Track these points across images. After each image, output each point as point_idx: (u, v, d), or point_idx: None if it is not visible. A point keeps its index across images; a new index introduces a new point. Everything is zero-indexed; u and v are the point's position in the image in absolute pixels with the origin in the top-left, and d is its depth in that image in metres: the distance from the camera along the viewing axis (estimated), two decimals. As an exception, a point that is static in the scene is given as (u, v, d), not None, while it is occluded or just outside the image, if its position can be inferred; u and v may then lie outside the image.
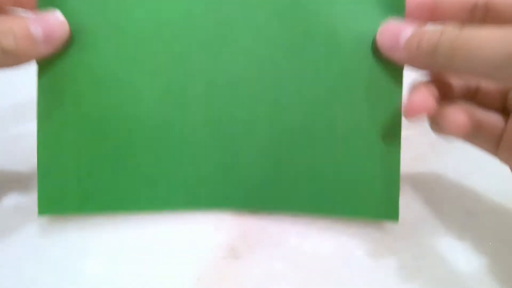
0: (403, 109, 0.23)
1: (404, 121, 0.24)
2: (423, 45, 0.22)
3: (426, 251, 0.25)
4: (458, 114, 0.23)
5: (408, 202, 0.27)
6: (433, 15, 0.24)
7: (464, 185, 0.28)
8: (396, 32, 0.23)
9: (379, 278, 0.23)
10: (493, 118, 0.25)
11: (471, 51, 0.20)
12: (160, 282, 0.23)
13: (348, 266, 0.24)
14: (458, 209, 0.26)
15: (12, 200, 0.27)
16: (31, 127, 0.25)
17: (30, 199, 0.27)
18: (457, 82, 0.25)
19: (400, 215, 0.26)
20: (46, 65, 0.24)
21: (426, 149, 0.31)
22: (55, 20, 0.24)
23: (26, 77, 0.25)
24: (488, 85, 0.26)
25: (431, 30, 0.22)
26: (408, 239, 0.25)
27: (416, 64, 0.23)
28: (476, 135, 0.25)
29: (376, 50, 0.24)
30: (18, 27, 0.23)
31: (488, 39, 0.20)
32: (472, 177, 0.28)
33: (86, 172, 0.25)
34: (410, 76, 0.24)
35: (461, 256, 0.24)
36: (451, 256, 0.24)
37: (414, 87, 0.24)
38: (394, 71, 0.24)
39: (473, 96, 0.26)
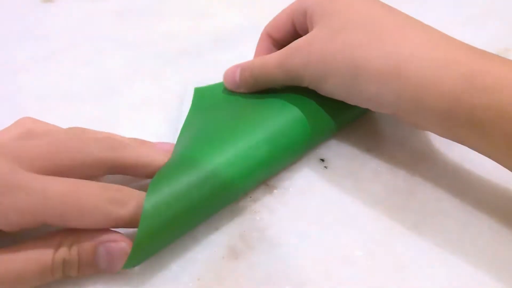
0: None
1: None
2: (248, 79, 0.31)
3: (425, 251, 0.25)
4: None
5: (408, 203, 0.27)
6: None
7: (464, 181, 0.28)
8: (232, 74, 0.32)
9: (379, 278, 0.23)
10: None
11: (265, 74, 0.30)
12: (160, 282, 0.23)
13: (348, 266, 0.24)
14: (458, 207, 0.26)
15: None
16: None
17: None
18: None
19: (401, 216, 0.26)
20: None
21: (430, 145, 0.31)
22: (120, 250, 0.23)
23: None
24: None
25: (246, 69, 0.31)
26: (407, 239, 0.25)
27: (251, 90, 0.32)
28: None
29: None
30: (85, 251, 0.22)
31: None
32: (475, 169, 0.28)
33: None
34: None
35: (462, 256, 0.24)
36: (451, 256, 0.24)
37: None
38: None
39: None
